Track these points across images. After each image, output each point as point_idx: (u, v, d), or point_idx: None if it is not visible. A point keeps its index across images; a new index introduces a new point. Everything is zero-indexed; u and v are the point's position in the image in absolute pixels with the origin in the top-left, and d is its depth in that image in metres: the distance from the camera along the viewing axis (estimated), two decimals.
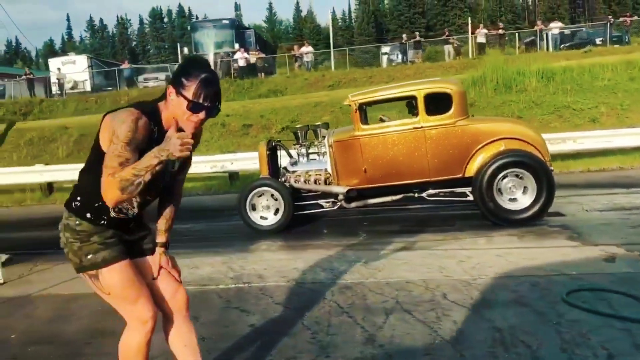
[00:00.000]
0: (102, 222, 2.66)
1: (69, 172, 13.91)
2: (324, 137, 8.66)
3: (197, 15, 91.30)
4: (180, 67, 2.56)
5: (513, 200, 7.46)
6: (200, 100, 2.42)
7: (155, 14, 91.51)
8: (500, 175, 7.38)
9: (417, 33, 32.86)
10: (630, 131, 12.31)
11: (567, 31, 33.24)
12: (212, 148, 17.67)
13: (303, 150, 8.67)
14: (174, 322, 2.96)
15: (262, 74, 31.66)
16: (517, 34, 33.72)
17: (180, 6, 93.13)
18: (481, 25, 31.87)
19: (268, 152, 8.63)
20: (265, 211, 8.20)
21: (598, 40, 30.19)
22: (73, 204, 2.68)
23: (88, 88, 34.61)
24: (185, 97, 2.42)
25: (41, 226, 10.21)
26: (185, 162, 2.80)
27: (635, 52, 23.23)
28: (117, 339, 4.34)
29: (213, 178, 14.30)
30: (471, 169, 7.63)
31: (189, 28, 38.19)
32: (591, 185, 10.16)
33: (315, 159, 8.66)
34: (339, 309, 4.65)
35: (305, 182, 8.38)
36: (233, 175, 13.53)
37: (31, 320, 5.01)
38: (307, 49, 31.95)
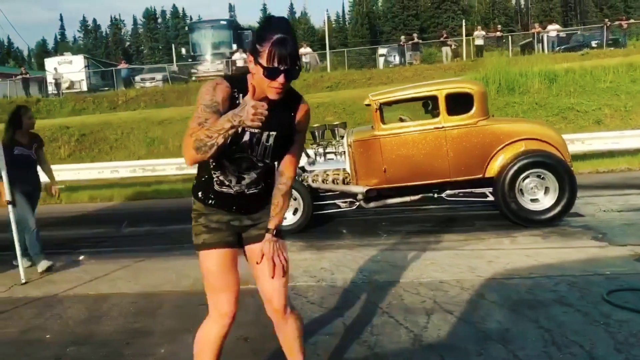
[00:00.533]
0: (210, 201, 2.70)
1: (73, 172, 13.86)
2: (341, 136, 8.62)
3: (191, 16, 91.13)
4: (256, 30, 2.47)
5: (535, 200, 7.44)
6: (275, 64, 2.29)
7: (149, 15, 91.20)
8: (523, 175, 7.37)
9: (415, 35, 32.85)
10: (637, 133, 12.38)
11: (562, 34, 33.36)
12: None
13: (320, 150, 8.62)
14: (275, 321, 2.97)
15: None
16: (509, 37, 33.79)
17: (174, 7, 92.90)
18: (479, 28, 31.93)
19: None
20: None
21: (594, 43, 30.37)
22: (193, 185, 2.81)
23: (84, 88, 34.46)
24: (260, 64, 2.33)
25: (50, 226, 10.09)
26: (287, 139, 2.64)
27: (632, 54, 23.40)
28: (156, 339, 4.32)
29: None
30: (491, 170, 7.61)
31: (186, 28, 38.13)
32: (603, 186, 10.17)
33: (332, 159, 8.61)
34: (377, 309, 4.61)
35: (323, 181, 8.33)
36: None
37: (63, 321, 4.93)
38: (305, 50, 31.95)
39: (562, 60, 23.76)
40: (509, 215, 7.43)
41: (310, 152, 8.79)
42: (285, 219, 7.89)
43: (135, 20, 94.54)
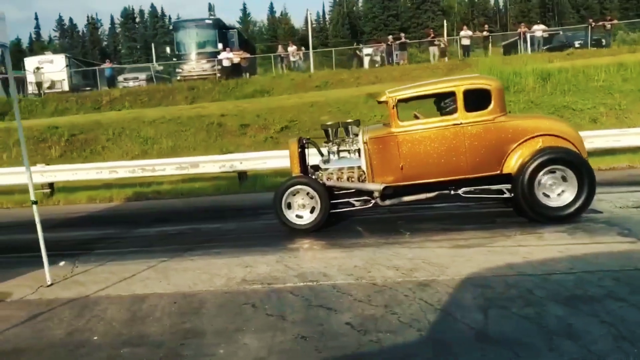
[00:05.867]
0: None
1: (70, 173, 13.63)
2: (355, 134, 8.58)
3: (169, 16, 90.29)
4: None
5: (554, 197, 7.48)
6: None
7: (127, 14, 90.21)
8: (542, 172, 7.40)
9: (402, 34, 32.93)
10: (638, 131, 12.53)
11: (545, 34, 33.69)
12: (211, 148, 17.44)
13: (334, 148, 8.57)
14: None
15: (247, 74, 31.50)
16: (489, 37, 33.99)
17: (152, 6, 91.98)
18: (464, 27, 32.10)
19: (299, 150, 8.51)
20: (301, 209, 8.08)
21: (577, 43, 30.75)
22: None
23: (66, 88, 33.85)
24: None
25: (57, 227, 9.91)
26: None
27: (616, 54, 23.74)
28: (210, 339, 4.25)
29: (221, 178, 14.09)
30: (509, 166, 7.64)
31: (171, 27, 37.74)
32: (607, 183, 10.25)
33: (346, 157, 8.55)
34: (429, 306, 4.60)
35: (337, 179, 8.28)
36: (242, 175, 13.34)
37: (106, 322, 4.84)
38: (291, 48, 31.87)
39: (547, 59, 24.04)
40: (528, 212, 7.46)
41: (324, 150, 8.74)
42: (301, 217, 7.91)
43: (112, 19, 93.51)
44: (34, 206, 6.25)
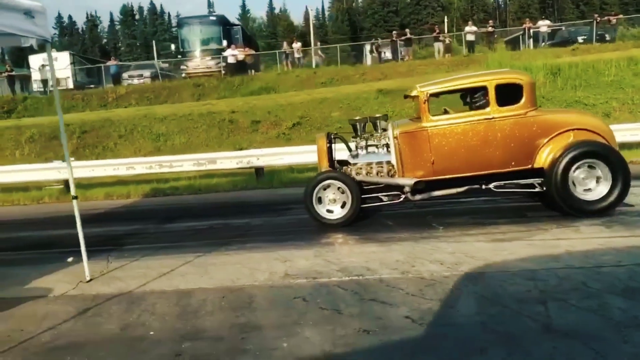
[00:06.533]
0: None
1: (88, 169, 13.58)
2: (383, 129, 8.56)
3: (169, 13, 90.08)
4: None
5: (587, 190, 7.47)
6: None
7: (127, 11, 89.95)
8: (575, 165, 7.39)
9: (407, 30, 32.87)
10: None
11: (548, 29, 33.68)
12: (224, 145, 17.42)
13: (362, 143, 8.55)
14: None
15: (252, 70, 31.46)
16: (494, 32, 33.93)
17: (151, 3, 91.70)
18: (470, 23, 32.06)
19: (328, 145, 8.49)
20: (332, 204, 8.06)
21: (580, 39, 30.72)
22: None
23: (71, 85, 33.78)
24: None
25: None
26: None
27: (622, 49, 23.74)
28: (270, 333, 4.23)
29: (237, 174, 14.06)
30: (540, 160, 7.63)
31: (173, 25, 37.63)
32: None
33: (374, 152, 8.53)
34: (485, 300, 4.59)
35: (367, 174, 8.27)
36: (259, 171, 13.31)
37: (158, 317, 4.82)
38: (296, 45, 31.83)
39: (553, 55, 24.06)
40: (562, 206, 7.44)
41: (352, 145, 8.72)
42: (332, 212, 7.90)
43: (112, 17, 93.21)
44: (74, 201, 6.22)
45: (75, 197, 6.27)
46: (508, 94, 7.67)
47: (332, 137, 8.70)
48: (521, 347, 3.68)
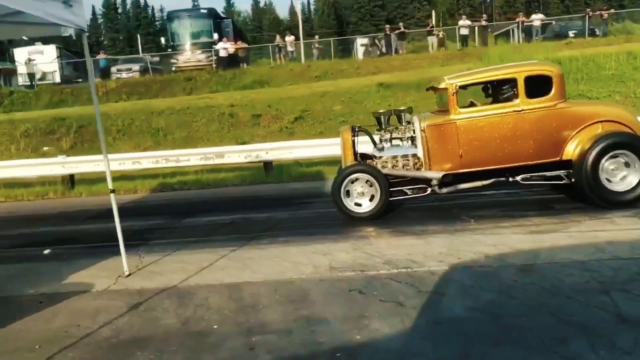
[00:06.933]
0: None
1: (92, 164, 13.38)
2: (407, 121, 8.53)
3: (152, 7, 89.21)
4: None
5: (617, 181, 7.50)
6: None
7: (109, 4, 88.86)
8: (606, 157, 7.41)
9: (401, 24, 32.85)
10: None
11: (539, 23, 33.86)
12: (225, 139, 17.30)
13: (387, 136, 8.51)
14: None
15: (245, 64, 31.28)
16: (487, 27, 34.01)
17: None
18: (464, 17, 32.14)
19: (353, 139, 8.44)
20: (359, 198, 8.01)
21: (571, 33, 30.94)
22: None
23: (58, 79, 33.33)
24: None
25: (95, 218, 9.78)
26: None
27: (614, 43, 23.96)
28: (337, 326, 4.18)
29: (244, 168, 13.96)
30: (568, 152, 7.65)
31: (166, 17, 37.21)
32: None
33: (399, 145, 8.51)
34: (544, 290, 4.59)
35: (392, 167, 8.24)
36: (267, 165, 13.21)
37: (216, 311, 4.75)
38: (289, 38, 31.70)
39: (544, 49, 24.16)
40: (592, 197, 7.46)
41: (376, 138, 8.68)
42: (360, 205, 7.85)
43: (94, 10, 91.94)
44: (112, 195, 6.11)
45: (113, 191, 6.16)
46: (537, 85, 7.68)
47: (357, 129, 8.63)
48: (602, 337, 3.68)
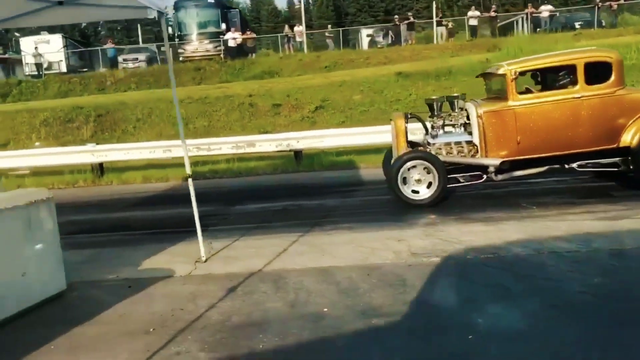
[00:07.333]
0: None
1: (122, 152, 13.31)
2: (460, 108, 8.50)
3: None
4: None
5: None
6: None
7: None
8: None
9: (410, 14, 32.77)
10: None
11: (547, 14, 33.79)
12: (247, 128, 17.22)
13: (439, 122, 8.48)
14: None
15: (253, 54, 31.12)
16: (496, 17, 33.95)
17: None
18: (473, 8, 32.10)
19: (406, 125, 8.41)
20: (416, 185, 7.97)
21: (577, 24, 30.92)
22: None
23: (64, 69, 33.06)
24: None
25: (137, 205, 9.74)
26: None
27: (624, 34, 24.01)
28: (453, 309, 4.17)
29: (273, 157, 13.89)
30: (626, 139, 7.66)
31: (174, 7, 36.94)
32: None
33: (451, 131, 8.48)
34: None
35: (446, 154, 8.22)
36: (297, 154, 13.16)
37: (318, 294, 4.71)
38: (298, 28, 31.59)
39: (553, 40, 24.16)
40: None
41: (428, 124, 8.64)
42: (417, 192, 7.82)
43: None
44: (190, 180, 6.06)
45: (190, 176, 6.12)
46: (596, 72, 7.67)
47: (410, 116, 8.59)
48: None
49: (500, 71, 7.95)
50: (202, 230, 7.12)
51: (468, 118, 8.33)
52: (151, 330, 4.18)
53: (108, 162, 13.60)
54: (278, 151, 13.27)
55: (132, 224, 8.36)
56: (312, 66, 26.49)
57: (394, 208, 7.96)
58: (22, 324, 4.49)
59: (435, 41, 30.35)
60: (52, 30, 34.84)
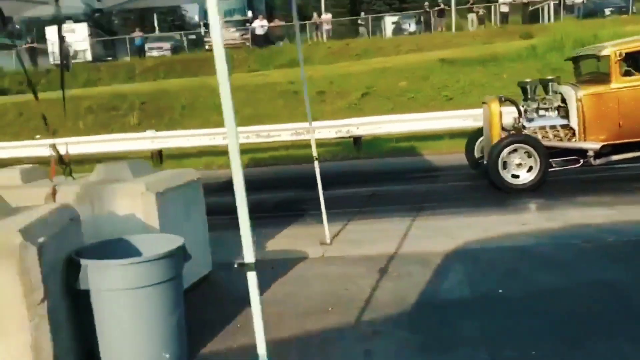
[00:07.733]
0: None
1: (183, 139, 13.25)
2: (555, 91, 8.34)
3: None
4: None
5: None
6: None
7: None
8: None
9: (440, 1, 32.43)
10: None
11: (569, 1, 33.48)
12: (293, 116, 17.03)
13: (533, 106, 8.33)
14: None
15: (281, 42, 30.99)
16: (529, 4, 33.61)
17: None
18: None
19: (500, 109, 8.26)
20: (517, 169, 7.83)
21: (607, 10, 30.63)
22: None
23: (89, 58, 33.04)
24: None
25: (219, 191, 9.62)
26: None
27: None
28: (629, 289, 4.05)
29: (332, 144, 13.77)
30: None
31: None
32: None
33: (545, 115, 8.32)
34: None
35: (542, 138, 8.08)
36: (356, 141, 13.04)
37: (478, 275, 4.62)
38: (326, 16, 31.42)
39: (586, 26, 23.84)
40: None
41: (521, 108, 8.47)
42: (517, 177, 7.68)
43: None
44: (316, 163, 6.01)
45: (317, 159, 6.03)
46: None
47: (504, 99, 8.44)
48: None
49: (604, 52, 7.79)
50: (303, 215, 7.07)
51: (562, 101, 8.19)
52: (329, 309, 4.09)
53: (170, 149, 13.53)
54: (338, 138, 13.15)
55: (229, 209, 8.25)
56: (342, 54, 26.36)
57: (489, 193, 7.86)
58: (195, 304, 4.35)
59: (469, 27, 30.05)
60: (77, 19, 34.66)
